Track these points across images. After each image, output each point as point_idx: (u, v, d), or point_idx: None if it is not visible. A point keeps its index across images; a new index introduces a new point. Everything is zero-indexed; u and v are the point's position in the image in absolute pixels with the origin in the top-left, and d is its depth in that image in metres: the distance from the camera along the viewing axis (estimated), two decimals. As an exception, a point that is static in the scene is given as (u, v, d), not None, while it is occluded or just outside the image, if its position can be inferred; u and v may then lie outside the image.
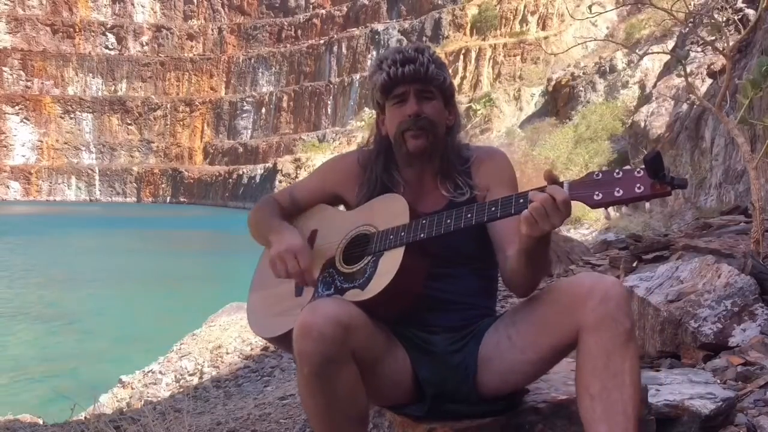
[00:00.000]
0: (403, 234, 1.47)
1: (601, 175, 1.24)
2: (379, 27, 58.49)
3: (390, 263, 1.45)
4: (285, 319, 1.50)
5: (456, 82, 45.06)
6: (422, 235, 1.45)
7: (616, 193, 1.21)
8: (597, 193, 1.23)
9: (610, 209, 1.28)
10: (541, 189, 1.29)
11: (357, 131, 48.30)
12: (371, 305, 1.42)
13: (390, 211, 1.55)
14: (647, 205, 1.24)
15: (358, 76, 57.41)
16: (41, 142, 65.38)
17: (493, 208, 1.37)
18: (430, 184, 1.65)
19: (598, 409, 1.28)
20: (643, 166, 1.18)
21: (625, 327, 1.31)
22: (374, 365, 1.42)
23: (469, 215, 1.40)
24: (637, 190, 1.19)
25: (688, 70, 12.54)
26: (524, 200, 1.32)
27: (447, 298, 1.57)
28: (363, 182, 1.69)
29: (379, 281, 1.44)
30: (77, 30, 68.06)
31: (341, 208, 1.75)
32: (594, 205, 1.24)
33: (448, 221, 1.42)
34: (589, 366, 1.31)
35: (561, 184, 1.27)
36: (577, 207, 1.27)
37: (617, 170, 1.23)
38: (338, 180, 1.74)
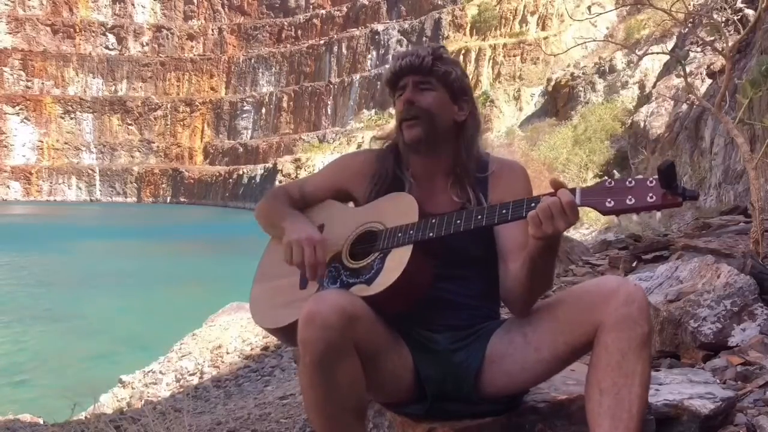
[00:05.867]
0: (411, 232, 1.47)
1: (613, 182, 1.25)
2: (379, 27, 58.46)
3: (397, 260, 1.45)
4: (289, 310, 1.50)
5: (456, 82, 45.01)
6: (431, 234, 1.45)
7: (628, 201, 1.22)
8: (609, 200, 1.24)
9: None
10: (553, 194, 1.30)
11: (357, 131, 48.26)
12: (376, 301, 1.42)
13: (399, 210, 1.54)
14: (658, 215, 1.25)
15: (358, 77, 57.39)
16: (41, 142, 65.36)
17: (503, 211, 1.37)
18: (440, 185, 1.65)
19: (605, 403, 1.30)
20: (656, 176, 1.19)
21: (644, 331, 1.32)
22: (376, 358, 1.42)
23: (479, 217, 1.40)
24: (649, 200, 1.20)
25: (688, 70, 12.53)
26: (535, 204, 1.32)
27: (451, 299, 1.57)
28: (375, 176, 1.69)
29: (386, 277, 1.44)
30: (77, 30, 68.03)
31: (350, 204, 1.75)
32: (606, 212, 1.25)
33: (458, 221, 1.42)
34: (603, 362, 1.33)
35: (573, 191, 1.28)
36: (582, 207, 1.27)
37: (629, 179, 1.24)
38: (350, 176, 1.74)
